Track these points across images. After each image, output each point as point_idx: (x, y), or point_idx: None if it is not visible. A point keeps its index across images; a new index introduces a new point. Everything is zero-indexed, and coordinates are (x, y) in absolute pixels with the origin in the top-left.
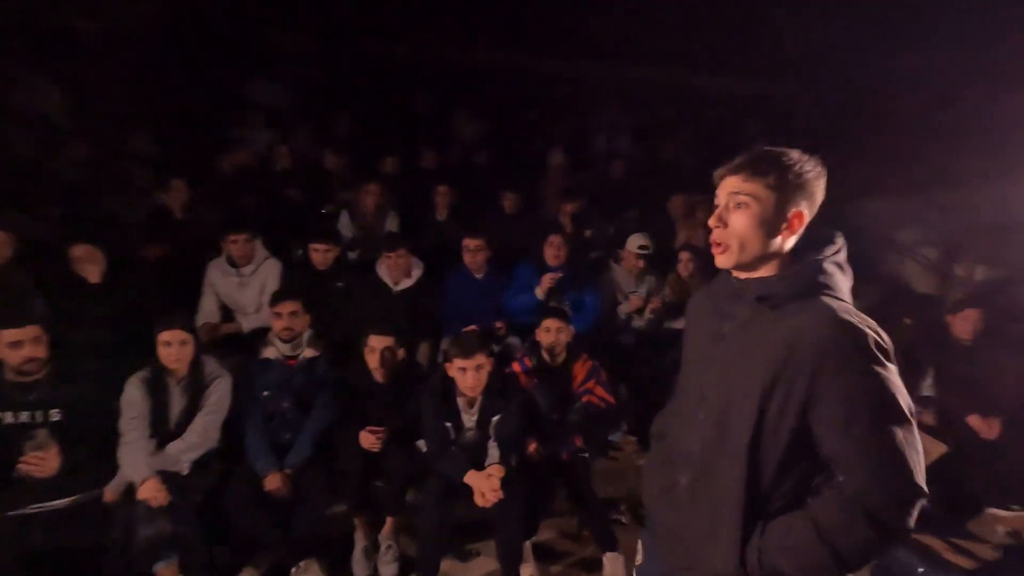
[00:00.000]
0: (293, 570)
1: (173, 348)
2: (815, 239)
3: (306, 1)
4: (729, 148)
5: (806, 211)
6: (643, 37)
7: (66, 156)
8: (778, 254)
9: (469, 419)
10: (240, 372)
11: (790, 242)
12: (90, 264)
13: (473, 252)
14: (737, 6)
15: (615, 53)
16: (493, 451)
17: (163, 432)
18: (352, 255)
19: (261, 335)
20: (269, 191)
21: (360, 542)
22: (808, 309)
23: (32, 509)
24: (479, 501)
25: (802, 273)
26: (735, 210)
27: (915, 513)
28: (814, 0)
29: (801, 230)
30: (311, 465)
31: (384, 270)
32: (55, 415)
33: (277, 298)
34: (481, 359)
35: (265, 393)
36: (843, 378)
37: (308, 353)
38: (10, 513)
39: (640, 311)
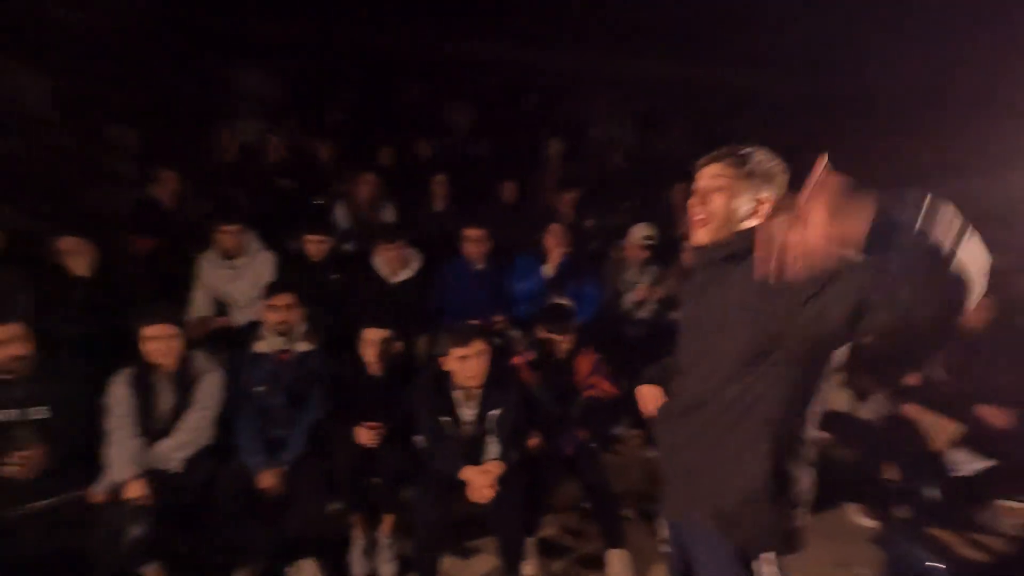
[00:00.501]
0: (288, 571)
1: (159, 343)
2: None
3: None
4: (728, 138)
5: (773, 198)
6: (642, 27)
7: (53, 148)
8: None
9: (467, 413)
10: (232, 367)
11: (756, 223)
12: (77, 256)
13: (474, 243)
14: None
15: (613, 43)
16: (492, 446)
17: (153, 430)
18: (348, 247)
19: (253, 329)
20: (261, 182)
21: (357, 541)
22: None
23: (15, 510)
24: (474, 497)
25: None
26: (715, 192)
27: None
28: None
29: (767, 214)
30: (305, 462)
31: (380, 262)
32: (39, 413)
33: (272, 290)
34: (480, 345)
35: (257, 388)
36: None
37: (301, 347)
38: None
39: (644, 303)
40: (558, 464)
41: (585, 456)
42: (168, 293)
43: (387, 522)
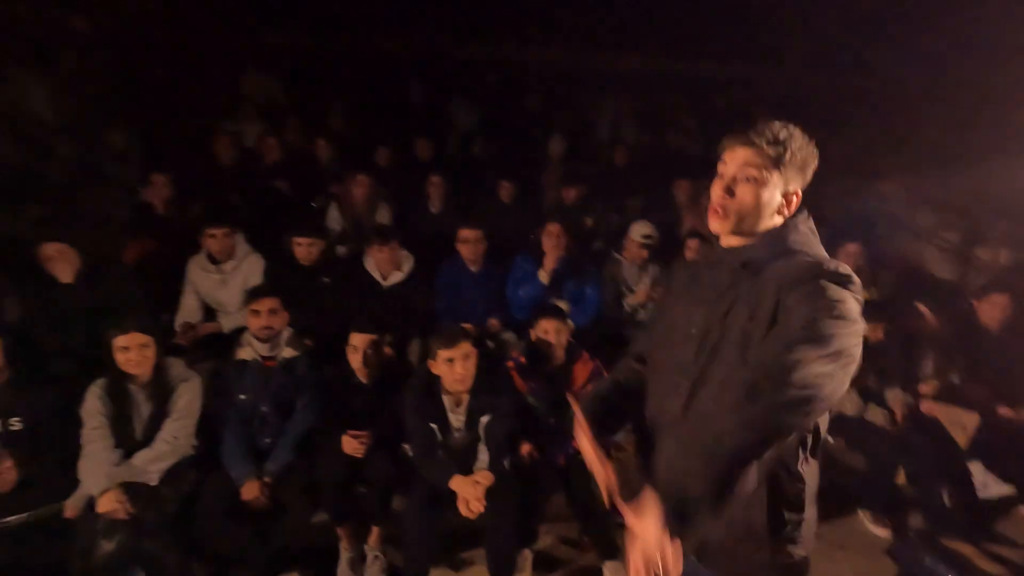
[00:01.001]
0: None
1: (132, 353)
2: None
3: None
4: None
5: (801, 190)
6: (645, 24)
7: (51, 153)
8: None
9: (456, 419)
10: (220, 374)
11: (780, 219)
12: (62, 263)
13: (471, 244)
14: None
15: (617, 41)
16: (483, 455)
17: (130, 442)
18: (341, 249)
19: (240, 335)
20: (257, 184)
21: (345, 553)
22: (786, 264)
23: None
24: (463, 510)
25: (777, 234)
26: (744, 183)
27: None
28: None
29: (795, 208)
30: (291, 472)
31: (373, 264)
32: (14, 424)
33: (253, 294)
34: (467, 347)
35: (242, 396)
36: (797, 292)
37: (287, 353)
38: None
39: (645, 304)
40: (552, 474)
41: (578, 466)
42: (160, 299)
43: (375, 533)
